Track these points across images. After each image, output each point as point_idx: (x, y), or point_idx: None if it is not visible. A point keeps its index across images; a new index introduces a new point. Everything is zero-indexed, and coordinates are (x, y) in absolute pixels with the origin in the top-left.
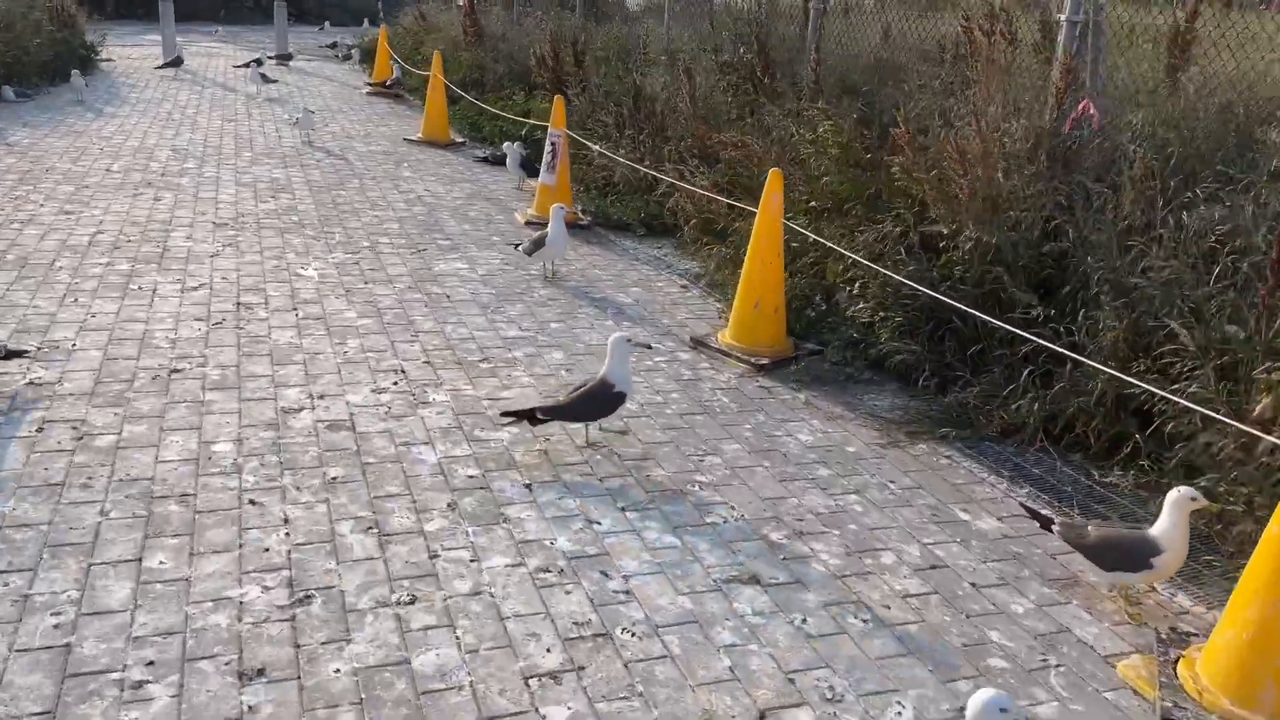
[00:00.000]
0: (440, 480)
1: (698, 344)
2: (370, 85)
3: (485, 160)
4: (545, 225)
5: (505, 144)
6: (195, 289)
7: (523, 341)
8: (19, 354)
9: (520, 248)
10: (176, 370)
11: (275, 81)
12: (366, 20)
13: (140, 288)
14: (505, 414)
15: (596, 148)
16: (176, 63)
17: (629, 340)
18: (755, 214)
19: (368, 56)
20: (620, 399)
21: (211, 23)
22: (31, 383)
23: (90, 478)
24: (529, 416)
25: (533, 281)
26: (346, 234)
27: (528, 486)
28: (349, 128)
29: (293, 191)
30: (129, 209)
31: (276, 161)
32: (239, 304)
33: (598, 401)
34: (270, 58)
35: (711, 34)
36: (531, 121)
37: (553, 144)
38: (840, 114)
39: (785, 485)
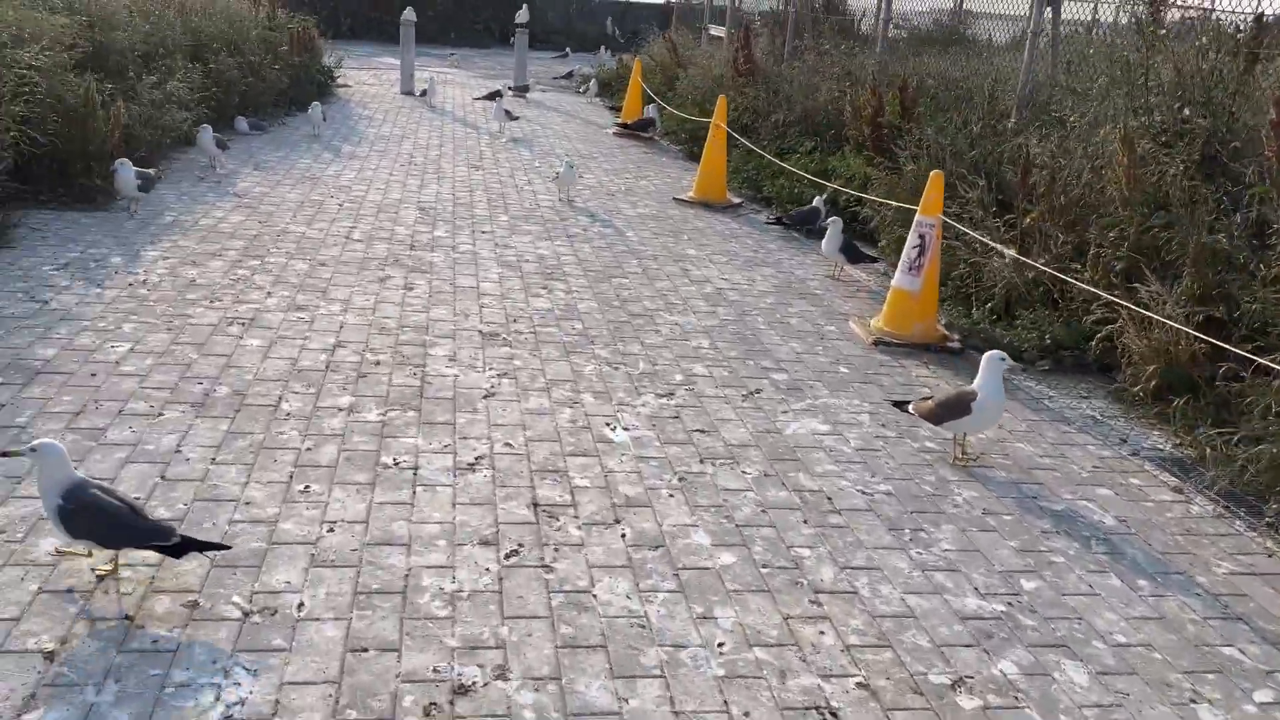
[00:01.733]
0: None
1: None
2: (618, 125)
3: (780, 224)
4: (903, 344)
5: (816, 200)
6: (470, 467)
7: (996, 622)
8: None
9: (910, 407)
10: (464, 688)
11: (518, 119)
12: (603, 48)
13: (396, 463)
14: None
15: (1010, 252)
16: (496, 95)
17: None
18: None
19: (606, 89)
20: None
21: (444, 45)
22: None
23: None
24: None
25: (939, 465)
26: (649, 357)
27: None
28: (606, 181)
29: (566, 279)
30: (374, 303)
31: (538, 228)
32: (535, 506)
33: None
34: (509, 89)
35: (1132, 82)
36: (834, 186)
37: (921, 236)
38: None
39: None
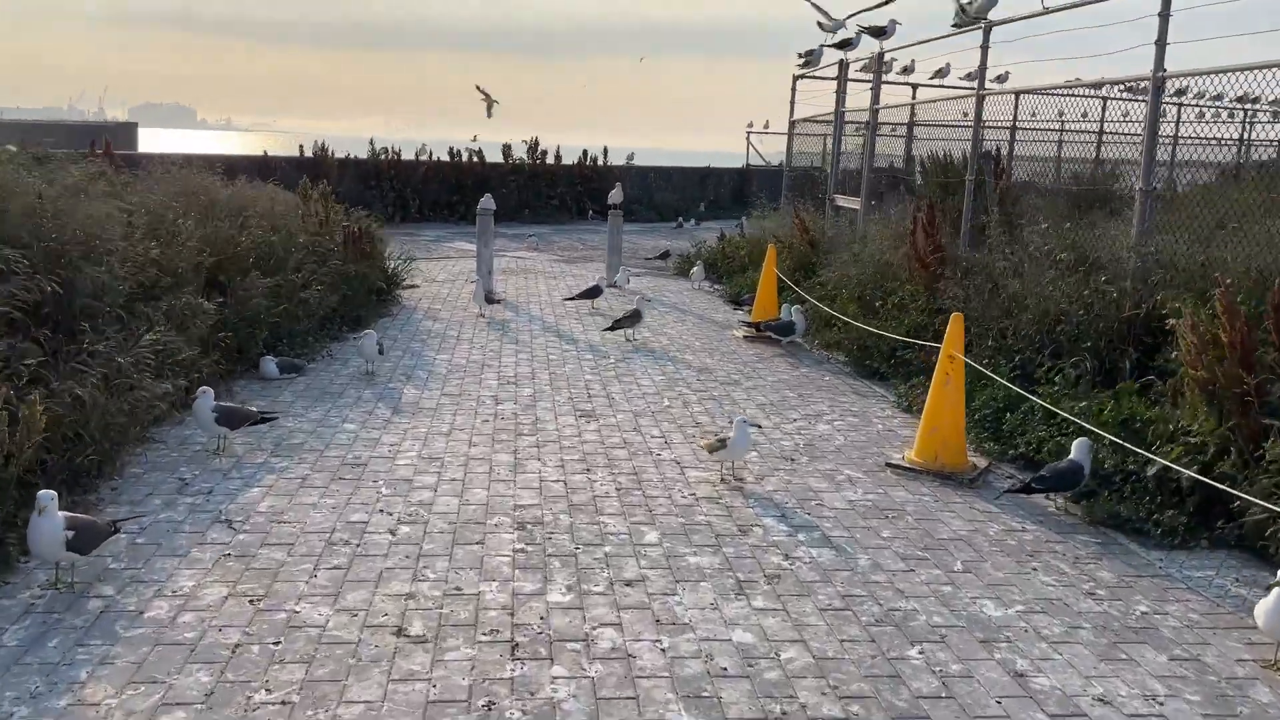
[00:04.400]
0: None
1: None
2: (747, 327)
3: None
4: None
5: (1077, 452)
6: None
7: None
8: None
9: None
10: None
11: (499, 301)
12: (688, 220)
13: None
14: None
15: None
16: (594, 293)
17: None
18: None
19: (711, 269)
20: None
21: (519, 223)
22: None
23: None
24: None
25: None
26: None
27: None
28: (769, 424)
29: (796, 693)
30: None
31: (710, 559)
32: None
33: None
34: (611, 285)
35: None
36: (1150, 455)
37: None
38: None
39: None
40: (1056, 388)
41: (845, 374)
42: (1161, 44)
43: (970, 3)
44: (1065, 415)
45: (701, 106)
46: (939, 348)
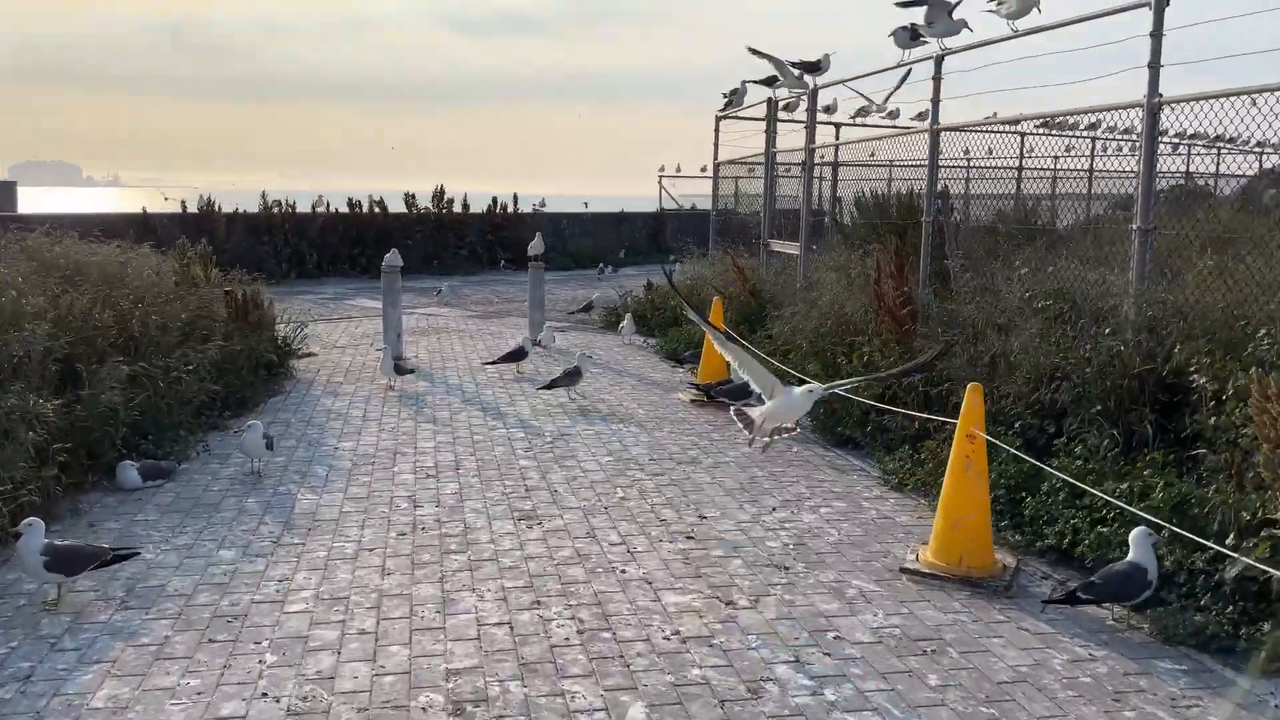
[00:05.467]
0: None
1: None
2: (695, 389)
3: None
4: None
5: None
6: None
7: None
8: None
9: None
10: None
11: (412, 371)
12: (607, 266)
13: None
14: None
15: None
16: (518, 356)
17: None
18: None
19: (642, 322)
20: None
21: (427, 274)
22: None
23: None
24: None
25: None
26: None
27: None
28: (754, 529)
29: None
30: None
31: None
32: None
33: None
34: (536, 344)
35: None
36: (1229, 552)
37: None
38: None
39: None
40: (1079, 461)
41: (813, 442)
42: (1155, 66)
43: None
44: (1104, 497)
45: (611, 152)
46: (950, 422)
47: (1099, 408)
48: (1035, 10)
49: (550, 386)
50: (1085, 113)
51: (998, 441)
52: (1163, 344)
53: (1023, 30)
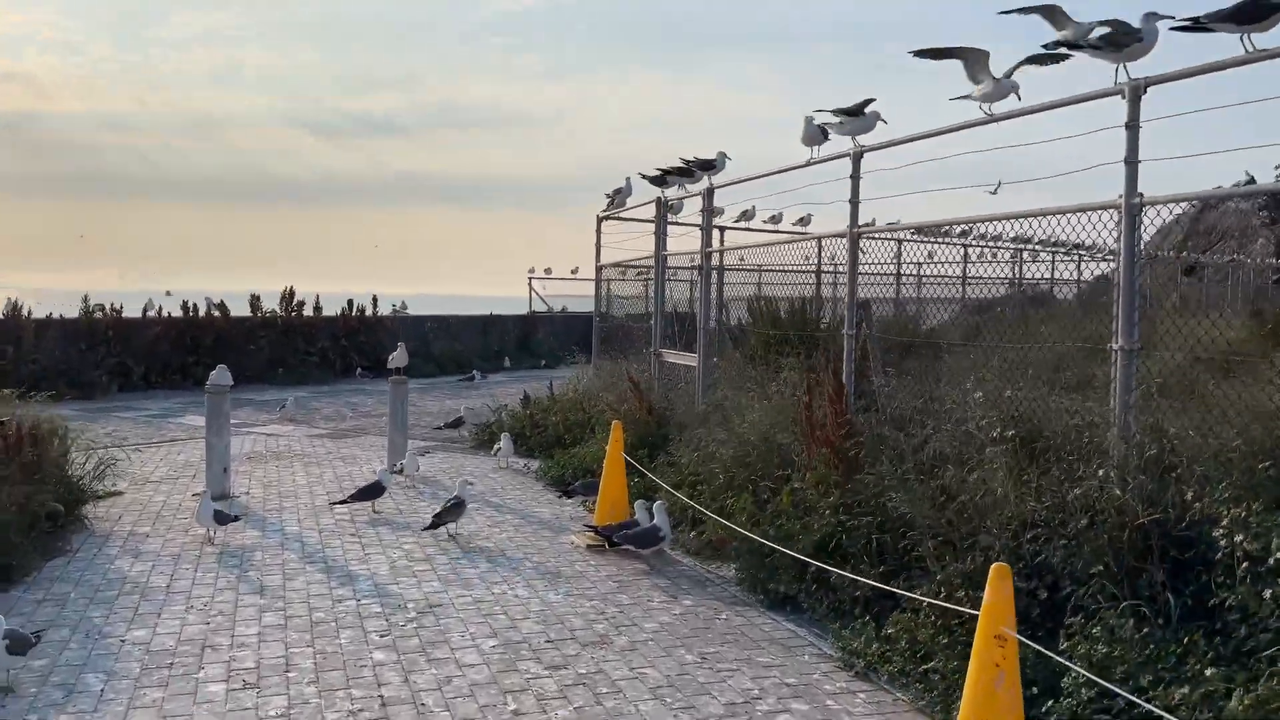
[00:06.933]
0: None
1: None
2: (591, 534)
3: None
4: None
5: None
6: None
7: None
8: None
9: None
10: None
11: (239, 518)
12: (476, 373)
13: None
14: None
15: None
16: (374, 492)
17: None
18: None
19: (521, 441)
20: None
21: (272, 385)
22: None
23: None
24: None
25: None
26: None
27: None
28: None
29: None
30: None
31: None
32: None
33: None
34: (396, 472)
35: None
36: None
37: None
38: None
39: None
40: (1101, 646)
41: (744, 603)
42: (1133, 162)
43: (842, 123)
44: (1162, 714)
45: (476, 252)
46: (951, 608)
47: (1099, 568)
48: (1014, 96)
49: (434, 526)
50: (1056, 213)
51: (1027, 641)
52: (1166, 488)
53: (1000, 115)
